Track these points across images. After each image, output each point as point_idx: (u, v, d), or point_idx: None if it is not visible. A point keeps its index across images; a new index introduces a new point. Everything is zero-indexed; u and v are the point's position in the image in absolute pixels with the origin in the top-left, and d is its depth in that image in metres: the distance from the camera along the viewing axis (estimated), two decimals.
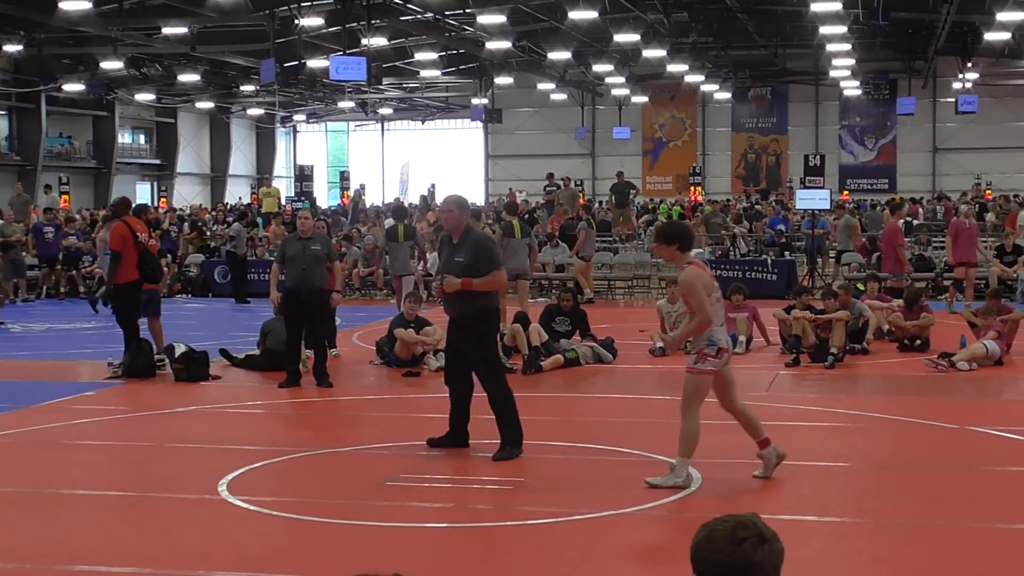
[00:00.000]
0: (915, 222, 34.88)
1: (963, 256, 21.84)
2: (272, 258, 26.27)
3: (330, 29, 39.91)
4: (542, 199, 41.67)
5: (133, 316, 15.33)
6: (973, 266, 22.11)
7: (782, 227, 32.02)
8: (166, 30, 39.19)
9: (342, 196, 50.15)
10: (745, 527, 3.26)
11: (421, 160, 67.85)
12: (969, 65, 48.10)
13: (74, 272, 27.91)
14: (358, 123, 71.00)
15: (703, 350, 8.77)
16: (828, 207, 28.77)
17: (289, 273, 14.31)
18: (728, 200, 51.41)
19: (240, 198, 60.14)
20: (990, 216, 35.15)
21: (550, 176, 44.33)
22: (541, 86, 55.47)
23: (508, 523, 8.06)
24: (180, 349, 14.91)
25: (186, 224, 33.99)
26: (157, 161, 63.41)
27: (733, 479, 9.16)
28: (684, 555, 3.33)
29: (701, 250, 28.77)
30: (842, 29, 39.28)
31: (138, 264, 15.15)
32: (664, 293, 20.69)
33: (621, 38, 40.84)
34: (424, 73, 52.14)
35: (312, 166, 38.91)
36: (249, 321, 19.61)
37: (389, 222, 27.26)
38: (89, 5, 33.18)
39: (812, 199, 26.25)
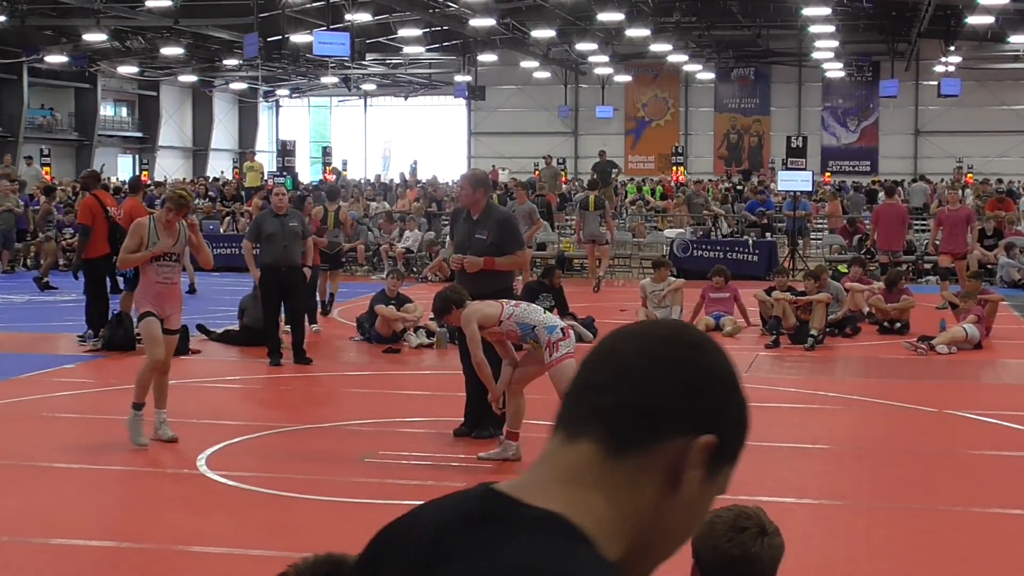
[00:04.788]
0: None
1: (947, 246, 20.36)
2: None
3: (314, 4, 39.74)
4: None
5: (102, 290, 15.25)
6: (961, 257, 20.35)
7: (762, 209, 32.03)
8: (149, 3, 38.94)
9: (324, 171, 50.07)
10: (747, 517, 3.29)
11: (404, 136, 67.80)
12: (952, 48, 48.15)
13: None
14: (341, 98, 70.79)
15: (550, 341, 8.61)
16: (810, 188, 28.78)
17: (268, 250, 14.21)
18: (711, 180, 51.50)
19: (223, 172, 59.98)
20: (971, 199, 35.26)
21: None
22: (524, 64, 55.41)
23: None
24: None
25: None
26: (139, 134, 63.18)
27: None
28: None
29: (682, 230, 28.79)
30: (826, 10, 39.28)
31: (108, 238, 14.95)
32: (647, 272, 20.66)
33: (605, 17, 40.78)
34: (407, 49, 52.05)
35: (294, 141, 38.69)
36: (230, 296, 19.54)
37: (580, 195, 27.39)
38: None
39: (794, 180, 26.31)
